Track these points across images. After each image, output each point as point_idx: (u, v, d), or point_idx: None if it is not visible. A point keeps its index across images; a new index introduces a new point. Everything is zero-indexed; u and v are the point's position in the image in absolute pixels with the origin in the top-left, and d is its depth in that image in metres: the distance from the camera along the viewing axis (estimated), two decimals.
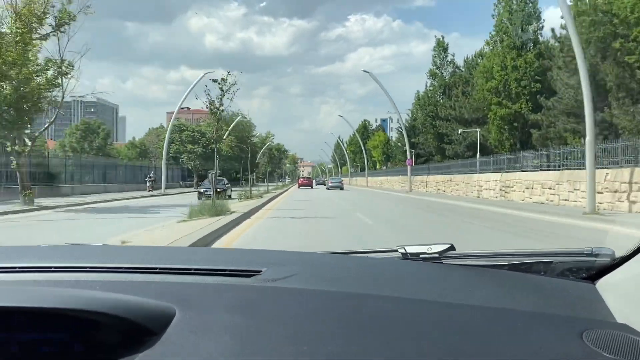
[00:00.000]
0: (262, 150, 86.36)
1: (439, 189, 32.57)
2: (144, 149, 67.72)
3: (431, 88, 43.53)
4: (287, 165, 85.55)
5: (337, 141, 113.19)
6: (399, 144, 53.59)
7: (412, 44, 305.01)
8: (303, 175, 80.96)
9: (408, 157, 35.56)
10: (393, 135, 70.15)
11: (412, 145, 42.03)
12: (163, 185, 33.82)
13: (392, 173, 47.57)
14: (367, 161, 64.76)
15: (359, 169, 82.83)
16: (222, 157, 62.96)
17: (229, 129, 57.57)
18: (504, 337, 0.74)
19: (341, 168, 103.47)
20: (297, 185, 53.26)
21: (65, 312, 0.66)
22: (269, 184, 43.78)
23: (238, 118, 59.27)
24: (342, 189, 42.24)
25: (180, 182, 45.20)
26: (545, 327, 0.76)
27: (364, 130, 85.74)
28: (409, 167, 35.10)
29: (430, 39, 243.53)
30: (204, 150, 40.69)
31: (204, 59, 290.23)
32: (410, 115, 48.61)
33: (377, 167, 71.61)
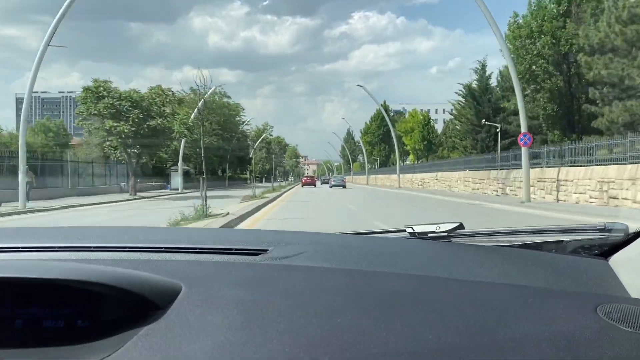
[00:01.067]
0: (257, 143, 77.38)
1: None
2: None
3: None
4: (288, 160, 76.00)
5: (347, 133, 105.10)
6: (457, 123, 42.93)
7: (416, 41, 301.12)
8: (307, 175, 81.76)
9: (523, 128, 18.62)
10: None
11: (489, 117, 34.96)
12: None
13: (445, 167, 37.33)
14: (398, 150, 49.72)
15: (377, 163, 73.84)
16: (198, 146, 53.91)
17: (202, 100, 47.65)
18: (517, 312, 0.75)
19: (352, 164, 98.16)
20: (300, 184, 58.43)
21: (69, 284, 0.68)
22: (267, 184, 40.80)
23: (213, 88, 50.10)
24: (344, 187, 46.53)
25: (122, 185, 34.38)
26: (559, 301, 0.79)
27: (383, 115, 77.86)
28: (524, 153, 18.69)
29: (434, 35, 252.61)
30: (134, 129, 26.98)
31: (208, 59, 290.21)
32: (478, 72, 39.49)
33: (411, 159, 60.68)
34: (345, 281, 0.83)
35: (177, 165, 42.25)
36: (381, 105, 73.29)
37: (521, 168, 19.37)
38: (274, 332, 0.65)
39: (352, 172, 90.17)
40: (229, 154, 58.92)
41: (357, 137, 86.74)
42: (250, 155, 78.48)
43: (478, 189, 27.94)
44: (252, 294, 0.75)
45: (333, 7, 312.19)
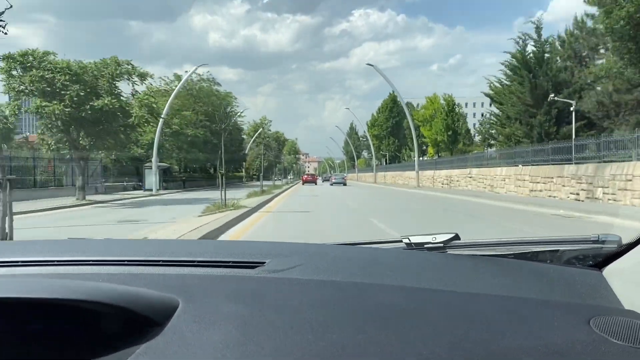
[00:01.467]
0: (252, 138, 72.24)
1: None
2: None
3: None
4: (286, 155, 68.64)
5: (351, 127, 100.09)
6: (497, 108, 33.58)
7: (417, 38, 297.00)
8: (307, 172, 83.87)
9: None
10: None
11: (547, 94, 26.49)
12: None
13: (482, 161, 28.72)
14: (417, 140, 40.03)
15: (385, 159, 67.73)
16: (183, 140, 46.12)
17: (181, 84, 41.47)
18: (511, 324, 0.77)
19: (357, 160, 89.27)
20: (301, 182, 58.65)
21: (68, 303, 0.69)
22: (266, 182, 35.53)
23: (197, 67, 43.46)
24: (345, 184, 47.53)
25: (97, 186, 27.69)
26: (553, 314, 0.80)
27: (393, 105, 67.85)
28: None
29: (434, 33, 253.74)
30: (71, 110, 19.92)
31: (208, 57, 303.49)
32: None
33: (430, 153, 50.84)
34: (341, 295, 0.84)
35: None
36: (390, 93, 66.24)
37: (618, 161, 14.71)
38: (270, 348, 0.65)
39: (356, 169, 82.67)
40: (220, 150, 51.96)
41: (362, 131, 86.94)
42: (246, 152, 71.41)
43: (541, 191, 20.03)
44: (249, 308, 0.75)
45: (333, 5, 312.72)
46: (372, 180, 58.45)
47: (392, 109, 67.33)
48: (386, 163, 63.60)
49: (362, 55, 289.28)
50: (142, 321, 0.69)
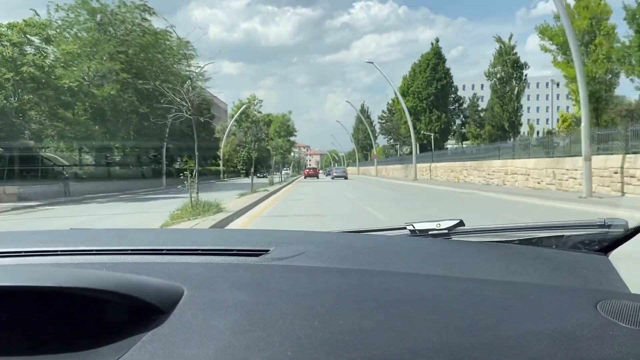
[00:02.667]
0: (231, 121, 55.22)
1: None
2: None
3: None
4: (274, 137, 46.64)
5: (362, 109, 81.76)
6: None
7: (418, 30, 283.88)
8: (309, 166, 77.53)
9: None
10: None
11: None
12: None
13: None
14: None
15: (414, 147, 40.15)
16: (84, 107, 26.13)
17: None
18: (518, 309, 0.76)
19: (372, 149, 68.92)
20: (303, 176, 56.04)
21: (72, 291, 0.69)
22: (249, 180, 24.37)
23: None
24: (346, 178, 45.46)
25: None
26: (559, 298, 0.80)
27: (437, 61, 46.33)
28: None
29: (436, 24, 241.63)
30: None
31: (208, 50, 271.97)
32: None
33: (470, 138, 41.39)
34: (347, 281, 0.83)
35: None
36: (431, 44, 46.81)
37: None
38: (277, 335, 0.65)
39: (375, 160, 60.68)
40: (166, 131, 31.06)
41: (376, 115, 74.98)
42: (225, 136, 52.97)
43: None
44: (254, 296, 0.76)
45: None
46: (400, 175, 42.41)
47: (436, 67, 44.90)
48: (418, 150, 39.04)
49: (364, 48, 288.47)
50: (147, 309, 0.68)
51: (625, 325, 0.70)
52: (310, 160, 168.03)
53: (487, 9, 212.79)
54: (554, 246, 1.12)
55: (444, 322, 0.70)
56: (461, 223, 1.17)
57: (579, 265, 0.97)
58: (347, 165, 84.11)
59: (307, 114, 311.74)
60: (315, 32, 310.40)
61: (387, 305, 0.75)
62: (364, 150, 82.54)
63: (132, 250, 0.96)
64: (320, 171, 68.77)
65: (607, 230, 1.06)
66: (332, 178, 46.52)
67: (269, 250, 0.96)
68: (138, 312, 0.68)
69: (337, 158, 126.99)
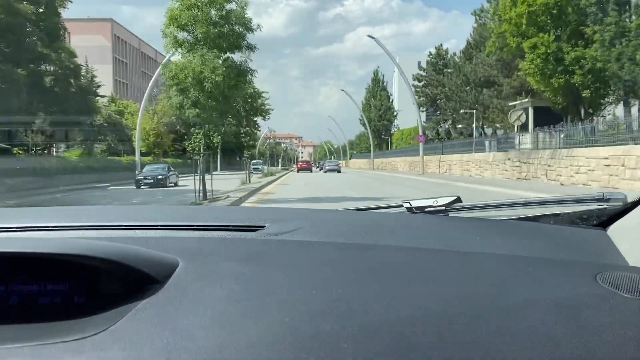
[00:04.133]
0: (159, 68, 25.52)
1: None
2: None
3: None
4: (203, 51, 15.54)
5: (374, 76, 65.73)
6: None
7: (412, 22, 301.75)
8: (302, 159, 79.41)
9: None
10: None
11: None
12: None
13: None
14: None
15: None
16: None
17: None
18: (517, 281, 0.77)
19: (388, 135, 61.02)
20: (296, 170, 55.56)
21: (65, 259, 0.68)
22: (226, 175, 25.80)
23: None
24: (339, 171, 45.24)
25: None
26: (559, 270, 0.80)
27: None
28: None
29: (430, 17, 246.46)
30: None
31: None
32: None
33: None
34: (343, 254, 0.83)
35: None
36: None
37: None
38: (274, 303, 0.65)
39: (421, 145, 39.87)
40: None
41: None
42: (141, 113, 32.01)
43: None
44: (250, 267, 0.75)
45: None
46: (440, 170, 33.13)
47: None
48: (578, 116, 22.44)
49: (357, 40, 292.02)
50: (142, 278, 0.68)
51: (624, 295, 0.71)
52: (302, 153, 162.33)
53: (481, 2, 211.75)
54: (552, 222, 1.12)
55: (442, 291, 0.71)
56: (458, 200, 1.17)
57: (578, 240, 0.98)
58: (351, 157, 76.90)
59: (300, 106, 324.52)
60: (308, 24, 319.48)
61: (385, 276, 0.75)
62: (379, 134, 62.32)
63: (126, 225, 0.96)
64: (313, 165, 65.21)
65: (605, 204, 1.07)
66: (325, 172, 46.75)
67: (264, 226, 0.96)
68: (132, 281, 0.67)
69: (332, 149, 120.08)
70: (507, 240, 0.97)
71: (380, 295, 0.69)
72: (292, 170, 55.56)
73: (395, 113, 63.51)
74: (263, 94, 38.87)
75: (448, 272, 0.78)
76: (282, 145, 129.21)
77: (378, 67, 66.51)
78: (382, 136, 63.10)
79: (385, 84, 65.01)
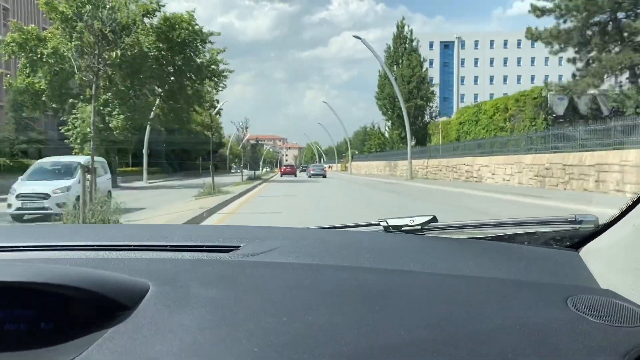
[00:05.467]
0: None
1: None
2: None
3: None
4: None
5: (398, 31, 43.18)
6: None
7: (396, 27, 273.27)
8: (286, 163, 74.99)
9: None
10: None
11: None
12: None
13: None
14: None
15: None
16: None
17: None
18: (489, 305, 0.78)
19: (426, 126, 40.93)
20: (279, 174, 52.77)
21: (33, 287, 0.67)
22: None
23: None
24: (324, 176, 41.75)
25: None
26: (530, 294, 0.81)
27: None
28: None
29: (414, 22, 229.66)
30: None
31: None
32: None
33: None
34: (318, 277, 0.83)
35: None
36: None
37: None
38: (244, 332, 0.65)
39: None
40: None
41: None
42: None
43: None
44: (222, 292, 0.75)
45: None
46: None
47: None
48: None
49: (342, 44, 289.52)
50: (111, 305, 0.67)
51: (594, 320, 0.72)
52: (286, 156, 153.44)
53: (464, 8, 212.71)
54: (526, 242, 1.12)
55: (414, 317, 0.71)
56: (434, 219, 1.17)
57: (550, 261, 0.98)
58: (353, 159, 63.40)
59: (285, 109, 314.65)
60: (293, 27, 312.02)
61: (358, 301, 0.74)
62: (399, 125, 39.72)
63: (97, 245, 0.95)
64: (297, 169, 59.80)
65: (578, 226, 1.07)
66: (309, 176, 43.43)
67: (239, 246, 0.95)
68: (101, 308, 0.66)
69: (320, 151, 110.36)
70: (481, 261, 0.97)
71: (353, 321, 0.68)
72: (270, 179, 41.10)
73: (432, 89, 40.90)
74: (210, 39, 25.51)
75: (421, 296, 0.78)
76: (265, 147, 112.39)
77: (403, 19, 43.95)
78: (416, 123, 39.04)
79: (416, 43, 42.33)
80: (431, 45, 79.24)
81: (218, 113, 54.94)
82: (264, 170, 66.98)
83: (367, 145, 54.01)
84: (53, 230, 1.23)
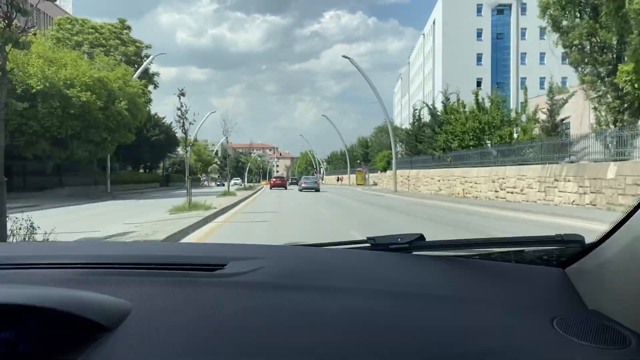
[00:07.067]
0: None
1: None
2: None
3: None
4: None
5: None
6: None
7: (387, 41, 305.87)
8: (276, 175, 69.51)
9: None
10: None
11: None
12: None
13: None
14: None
15: None
16: None
17: None
18: (474, 327, 0.77)
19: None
20: (269, 187, 50.28)
21: (12, 309, 0.66)
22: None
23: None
24: (317, 190, 37.19)
25: None
26: (516, 315, 0.81)
27: None
28: None
29: (405, 36, 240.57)
30: None
31: (176, 56, 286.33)
32: None
33: None
34: (303, 298, 0.82)
35: None
36: None
37: None
38: (222, 355, 0.64)
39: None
40: None
41: None
42: None
43: None
44: (205, 314, 0.74)
45: (304, 6, 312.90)
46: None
47: None
48: None
49: (333, 57, 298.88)
50: (91, 327, 0.66)
51: (580, 342, 0.71)
52: (277, 166, 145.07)
53: None
54: (513, 261, 1.12)
55: (400, 339, 0.70)
56: (422, 237, 1.17)
57: (537, 280, 0.97)
58: (365, 168, 52.96)
59: (277, 121, 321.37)
60: (284, 40, 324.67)
61: (343, 323, 0.74)
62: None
63: (80, 264, 0.94)
64: (287, 181, 57.18)
65: (564, 246, 1.07)
66: (300, 189, 38.08)
67: (224, 265, 0.93)
68: (80, 330, 0.66)
69: (317, 161, 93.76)
70: (468, 281, 0.97)
71: (335, 345, 0.68)
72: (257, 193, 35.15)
73: None
74: None
75: (406, 319, 0.77)
76: (254, 156, 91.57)
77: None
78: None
79: None
80: (479, 9, 56.82)
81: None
82: (233, 184, 49.38)
83: (442, 137, 29.67)
84: (35, 247, 1.21)
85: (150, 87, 41.01)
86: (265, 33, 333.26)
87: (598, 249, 0.94)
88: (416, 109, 35.97)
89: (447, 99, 30.83)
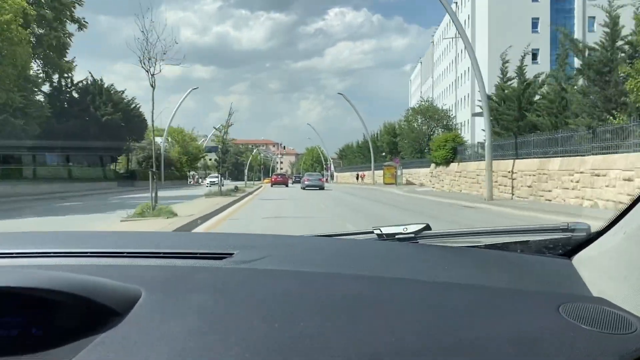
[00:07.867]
0: None
1: None
2: None
3: None
4: None
5: None
6: None
7: (391, 38, 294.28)
8: (277, 172, 69.38)
9: None
10: None
11: None
12: None
13: None
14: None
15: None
16: None
17: None
18: (480, 313, 0.77)
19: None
20: (270, 184, 49.19)
21: (24, 292, 0.67)
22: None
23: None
24: (322, 188, 35.47)
25: None
26: (522, 302, 0.81)
27: None
28: None
29: (409, 33, 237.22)
30: None
31: (180, 54, 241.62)
32: None
33: None
34: (310, 284, 0.83)
35: None
36: None
37: None
38: (234, 338, 0.65)
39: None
40: None
41: None
42: None
43: None
44: (215, 299, 0.75)
45: (308, 3, 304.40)
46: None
47: None
48: None
49: (337, 55, 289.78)
50: (102, 311, 0.67)
51: (586, 328, 0.72)
52: (281, 163, 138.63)
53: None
54: (518, 250, 1.12)
55: (406, 325, 0.71)
56: (428, 227, 1.17)
57: (543, 269, 0.98)
58: (397, 161, 41.54)
59: (280, 119, 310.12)
60: (288, 37, 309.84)
61: (349, 309, 0.74)
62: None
63: (91, 252, 0.95)
64: (289, 179, 56.16)
65: (570, 234, 1.07)
66: (303, 187, 35.93)
67: (233, 253, 0.95)
68: (91, 314, 0.67)
69: (321, 158, 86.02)
70: (474, 269, 0.97)
71: (343, 330, 0.68)
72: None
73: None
74: None
75: (412, 304, 0.78)
76: (255, 151, 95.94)
77: None
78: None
79: None
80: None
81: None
82: (208, 183, 43.64)
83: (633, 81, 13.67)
84: (47, 237, 1.24)
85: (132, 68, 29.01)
86: (269, 31, 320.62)
87: (603, 237, 0.95)
88: (507, 62, 22.59)
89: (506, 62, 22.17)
